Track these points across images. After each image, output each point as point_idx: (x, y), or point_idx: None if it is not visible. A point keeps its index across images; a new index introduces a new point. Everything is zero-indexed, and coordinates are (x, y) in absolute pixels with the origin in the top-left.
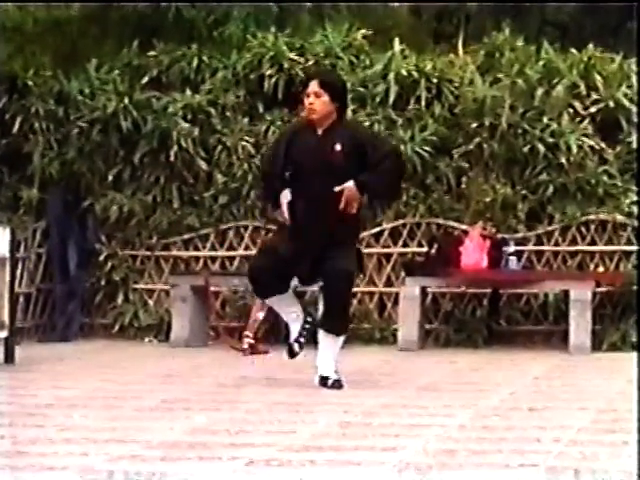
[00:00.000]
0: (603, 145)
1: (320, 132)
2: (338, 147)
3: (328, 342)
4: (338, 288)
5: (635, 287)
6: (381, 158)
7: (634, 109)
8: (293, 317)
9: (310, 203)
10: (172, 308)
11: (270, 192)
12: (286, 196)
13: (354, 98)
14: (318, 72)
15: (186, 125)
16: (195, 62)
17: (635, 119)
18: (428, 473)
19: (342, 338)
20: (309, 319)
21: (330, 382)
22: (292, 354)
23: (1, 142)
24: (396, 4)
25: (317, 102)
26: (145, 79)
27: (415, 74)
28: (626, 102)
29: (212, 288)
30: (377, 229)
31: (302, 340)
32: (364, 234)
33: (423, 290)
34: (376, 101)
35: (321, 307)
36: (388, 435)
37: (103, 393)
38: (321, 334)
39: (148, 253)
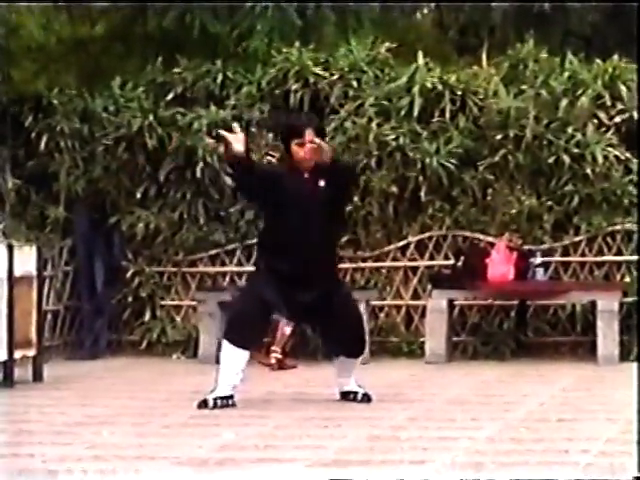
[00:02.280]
0: (628, 155)
1: (307, 175)
2: (322, 183)
3: (351, 362)
4: (354, 314)
5: None
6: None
7: None
8: (232, 378)
9: (302, 244)
10: (199, 324)
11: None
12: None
13: (379, 112)
14: (310, 119)
15: (211, 141)
16: (220, 78)
17: None
18: None
19: None
20: (233, 399)
21: (360, 396)
22: (204, 404)
23: (27, 161)
24: (419, 17)
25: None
26: (170, 96)
27: (439, 87)
28: None
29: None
30: (403, 242)
31: (218, 403)
32: (390, 247)
33: (450, 303)
34: (401, 114)
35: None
36: (416, 448)
37: (131, 410)
38: (342, 358)
39: (175, 269)
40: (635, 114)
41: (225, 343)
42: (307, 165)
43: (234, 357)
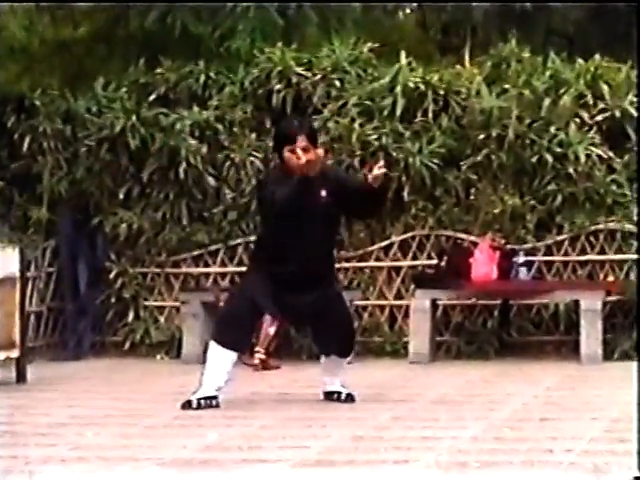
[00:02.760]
0: (611, 154)
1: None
2: (323, 193)
3: (339, 362)
4: (346, 312)
5: None
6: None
7: None
8: (217, 379)
9: (300, 249)
10: (183, 325)
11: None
12: None
13: (361, 112)
14: (302, 126)
15: (194, 142)
16: (202, 78)
17: None
18: None
19: None
20: (217, 399)
21: (344, 396)
22: (188, 405)
23: (10, 162)
24: (401, 17)
25: (308, 156)
26: (152, 96)
27: (422, 86)
28: (633, 111)
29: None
30: (386, 242)
31: (202, 403)
32: (373, 247)
33: (433, 302)
34: (383, 114)
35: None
36: (400, 448)
37: (115, 411)
38: (333, 357)
39: (158, 270)
40: (617, 113)
41: (213, 344)
42: (301, 172)
43: (222, 359)
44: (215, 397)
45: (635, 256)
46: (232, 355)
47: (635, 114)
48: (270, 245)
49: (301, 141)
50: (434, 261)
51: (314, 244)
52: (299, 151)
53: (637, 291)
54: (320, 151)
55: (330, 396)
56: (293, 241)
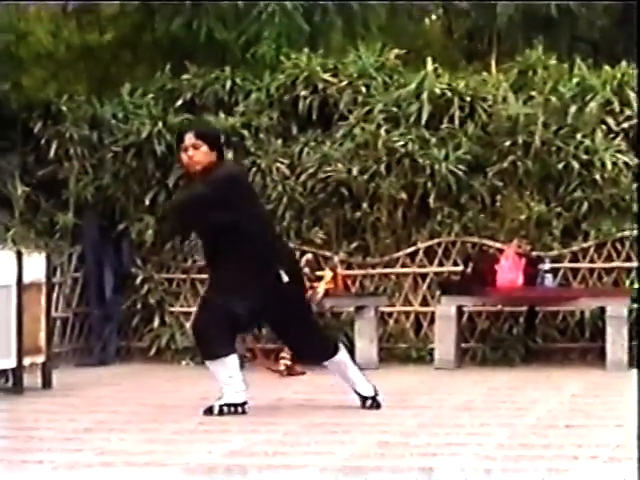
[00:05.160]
0: (637, 161)
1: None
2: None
3: (335, 366)
4: (311, 315)
5: None
6: None
7: None
8: (234, 384)
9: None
10: None
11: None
12: None
13: (387, 118)
14: (192, 126)
15: None
16: (228, 84)
17: None
18: None
19: None
20: (244, 406)
21: (369, 402)
22: (210, 411)
23: (37, 168)
24: (427, 23)
25: (197, 154)
26: (178, 102)
27: (448, 93)
28: None
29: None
30: (412, 249)
31: (225, 410)
32: (399, 254)
33: (459, 309)
34: (410, 121)
35: (357, 329)
36: (426, 454)
37: (140, 416)
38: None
39: (184, 276)
40: None
41: (208, 363)
42: (193, 171)
43: (224, 368)
44: (240, 404)
45: None
46: (228, 359)
47: None
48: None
49: (188, 139)
50: (460, 268)
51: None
52: (183, 152)
53: (637, 297)
54: (204, 149)
55: (359, 399)
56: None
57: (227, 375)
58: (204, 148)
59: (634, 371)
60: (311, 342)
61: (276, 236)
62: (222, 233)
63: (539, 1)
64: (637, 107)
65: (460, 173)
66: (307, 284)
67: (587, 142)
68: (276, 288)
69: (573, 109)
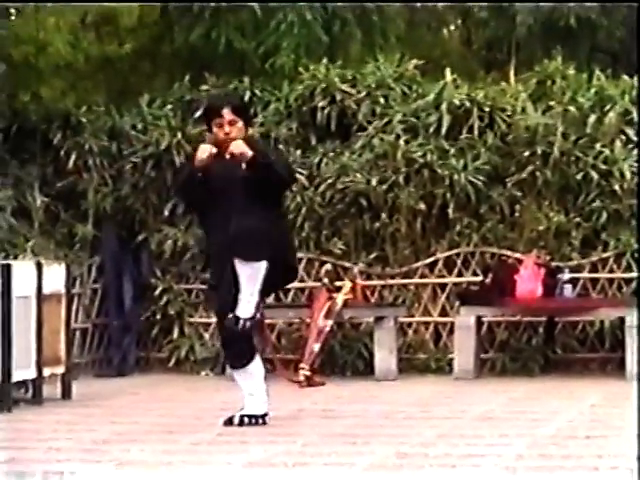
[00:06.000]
0: None
1: (228, 156)
2: (244, 166)
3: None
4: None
5: None
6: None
7: None
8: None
9: (225, 237)
10: None
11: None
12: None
13: (406, 129)
14: (226, 98)
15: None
16: (247, 95)
17: None
18: None
19: None
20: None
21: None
22: (230, 421)
23: (56, 179)
24: (445, 33)
25: (234, 130)
26: (198, 113)
27: (467, 103)
28: None
29: (267, 320)
30: (431, 259)
31: (245, 420)
32: (418, 264)
33: (478, 319)
34: (429, 131)
35: (376, 340)
36: (445, 465)
37: (160, 427)
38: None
39: (203, 287)
40: None
41: (232, 371)
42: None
43: (249, 377)
44: (261, 415)
45: None
46: (255, 365)
47: None
48: (206, 230)
49: (227, 114)
50: (479, 278)
51: (241, 217)
52: (217, 127)
53: (637, 303)
54: (240, 125)
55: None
56: (220, 218)
57: (252, 385)
58: (240, 124)
59: None
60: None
61: None
62: None
63: (557, 4)
64: (637, 114)
65: (479, 183)
66: (326, 294)
67: (606, 152)
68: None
69: (592, 119)
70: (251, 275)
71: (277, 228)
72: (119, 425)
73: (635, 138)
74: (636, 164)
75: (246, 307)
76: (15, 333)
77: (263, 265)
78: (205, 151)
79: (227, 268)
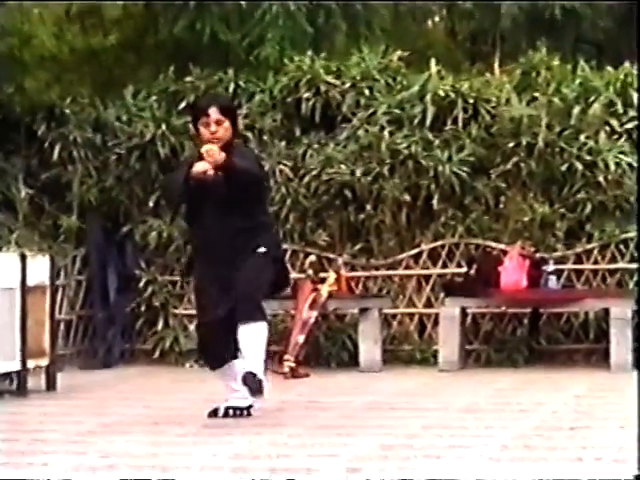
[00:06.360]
0: None
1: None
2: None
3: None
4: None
5: None
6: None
7: None
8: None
9: (211, 236)
10: None
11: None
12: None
13: (391, 120)
14: (215, 98)
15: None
16: (232, 87)
17: None
18: None
19: None
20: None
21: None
22: (214, 413)
23: (40, 171)
24: (430, 25)
25: (220, 129)
26: (182, 105)
27: (452, 95)
28: None
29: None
30: (416, 250)
31: (230, 412)
32: (403, 255)
33: (463, 310)
34: (413, 122)
35: (361, 331)
36: (430, 456)
37: (145, 419)
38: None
39: (188, 278)
40: None
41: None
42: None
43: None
44: (246, 407)
45: None
46: (235, 364)
47: None
48: (193, 239)
49: (213, 113)
50: (463, 269)
51: (223, 223)
52: (204, 126)
53: (637, 299)
54: (226, 124)
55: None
56: (204, 227)
57: (235, 382)
58: (226, 124)
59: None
60: None
61: None
62: None
63: (543, 1)
64: (637, 109)
65: (464, 175)
66: (311, 286)
67: (591, 143)
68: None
69: (576, 110)
70: (256, 335)
71: (272, 251)
72: (104, 417)
73: (619, 129)
74: (620, 155)
75: (257, 363)
76: None
77: (265, 325)
78: (204, 167)
79: (215, 268)
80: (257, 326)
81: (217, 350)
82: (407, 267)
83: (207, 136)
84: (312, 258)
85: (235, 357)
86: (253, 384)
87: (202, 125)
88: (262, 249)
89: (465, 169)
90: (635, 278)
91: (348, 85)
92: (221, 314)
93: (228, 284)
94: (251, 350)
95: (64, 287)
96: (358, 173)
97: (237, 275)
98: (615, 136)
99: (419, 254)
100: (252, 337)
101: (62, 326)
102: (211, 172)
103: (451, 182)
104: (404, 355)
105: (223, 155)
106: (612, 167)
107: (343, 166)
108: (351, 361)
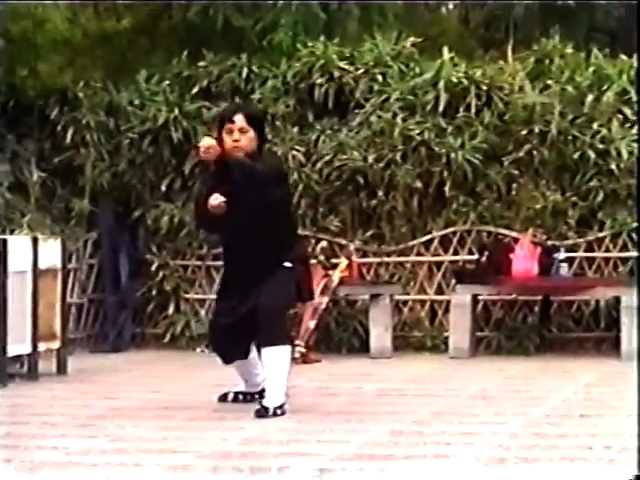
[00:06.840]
0: None
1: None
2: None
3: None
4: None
5: None
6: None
7: None
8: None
9: (240, 247)
10: None
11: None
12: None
13: (404, 106)
14: (242, 106)
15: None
16: (245, 72)
17: None
18: None
19: None
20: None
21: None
22: (224, 398)
23: (53, 154)
24: (444, 12)
25: (243, 138)
26: (195, 89)
27: (465, 81)
28: None
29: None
30: (427, 237)
31: (240, 397)
32: (414, 242)
33: (474, 298)
34: (426, 109)
35: (372, 317)
36: (439, 443)
37: (155, 403)
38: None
39: (199, 263)
40: None
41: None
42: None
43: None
44: (257, 392)
45: None
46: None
47: None
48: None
49: (239, 121)
50: (475, 256)
51: (254, 235)
52: (227, 133)
53: (637, 290)
54: (251, 134)
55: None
56: (235, 236)
57: (245, 371)
58: (251, 133)
59: None
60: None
61: None
62: None
63: None
64: (637, 106)
65: (476, 162)
66: (322, 272)
67: (603, 131)
68: None
69: (590, 98)
70: (279, 359)
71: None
72: (114, 401)
73: (633, 117)
74: (633, 144)
75: (275, 395)
76: (11, 308)
77: (288, 349)
78: (209, 143)
79: (239, 280)
80: (280, 350)
81: (230, 350)
82: (418, 254)
83: (229, 144)
84: (324, 244)
85: (247, 356)
86: (263, 416)
87: (226, 131)
88: (287, 264)
89: (477, 156)
90: None
91: (361, 71)
92: (236, 318)
93: (248, 292)
94: (272, 378)
95: (75, 271)
96: (370, 159)
97: (259, 290)
98: (628, 124)
99: (430, 241)
100: (275, 362)
101: (73, 310)
102: (222, 201)
103: (463, 169)
104: (415, 342)
105: (218, 150)
106: (625, 155)
107: (355, 152)
108: (362, 347)
